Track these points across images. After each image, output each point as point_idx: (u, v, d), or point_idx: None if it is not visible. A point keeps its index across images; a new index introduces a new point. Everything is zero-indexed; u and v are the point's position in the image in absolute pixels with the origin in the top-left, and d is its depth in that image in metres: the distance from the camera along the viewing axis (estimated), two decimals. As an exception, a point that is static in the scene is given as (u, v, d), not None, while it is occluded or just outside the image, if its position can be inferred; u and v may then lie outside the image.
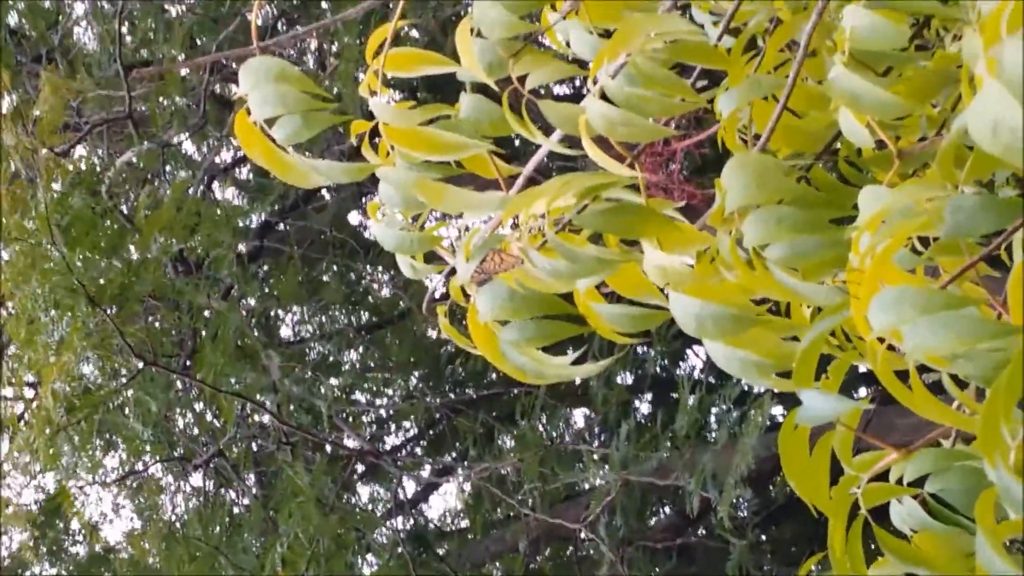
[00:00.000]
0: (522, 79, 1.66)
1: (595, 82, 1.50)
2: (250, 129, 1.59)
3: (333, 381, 7.75)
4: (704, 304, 1.52)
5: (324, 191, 8.21)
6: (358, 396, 8.27)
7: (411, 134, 1.68)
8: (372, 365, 8.57)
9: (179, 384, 6.22)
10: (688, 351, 8.46)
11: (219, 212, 6.20)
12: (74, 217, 5.21)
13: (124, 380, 5.72)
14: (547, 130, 1.71)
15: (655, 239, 1.57)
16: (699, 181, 2.09)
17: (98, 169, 5.86)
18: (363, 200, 7.91)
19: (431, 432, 8.67)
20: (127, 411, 5.93)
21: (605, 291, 1.82)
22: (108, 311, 5.32)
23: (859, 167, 2.03)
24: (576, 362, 1.75)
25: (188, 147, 7.34)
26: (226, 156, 7.75)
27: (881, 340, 1.11)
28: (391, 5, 1.70)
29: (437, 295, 2.16)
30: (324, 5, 7.06)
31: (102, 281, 5.38)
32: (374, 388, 8.44)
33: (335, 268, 8.09)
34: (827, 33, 1.86)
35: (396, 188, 1.70)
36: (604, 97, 1.50)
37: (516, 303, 1.68)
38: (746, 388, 6.62)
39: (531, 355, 1.72)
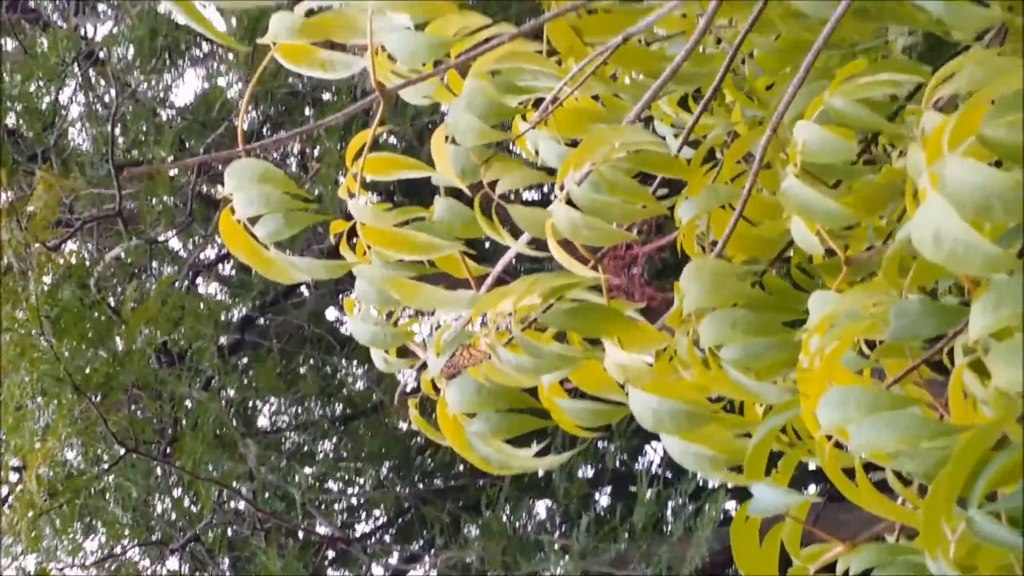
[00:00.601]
0: (493, 184, 1.67)
1: (562, 188, 1.52)
2: (234, 227, 1.59)
3: (307, 470, 7.71)
4: (662, 400, 1.53)
5: (303, 288, 8.21)
6: (331, 484, 8.21)
7: (387, 234, 1.69)
8: (345, 455, 8.52)
9: (159, 471, 6.16)
10: (646, 446, 8.45)
11: (202, 306, 6.18)
12: (63, 309, 5.19)
13: (106, 466, 5.68)
14: (516, 232, 1.72)
15: (616, 338, 1.58)
16: (659, 284, 2.10)
17: (88, 263, 5.86)
18: (340, 297, 7.91)
19: (400, 520, 8.60)
20: (108, 496, 5.87)
21: (568, 387, 1.83)
22: (93, 399, 5.29)
23: (810, 274, 2.05)
24: (539, 454, 1.75)
25: (175, 244, 7.35)
26: (210, 253, 7.75)
27: (829, 438, 1.12)
28: (371, 112, 1.71)
29: (408, 389, 2.16)
30: (308, 112, 7.09)
31: (88, 370, 5.37)
32: (346, 477, 8.38)
33: (312, 361, 8.07)
34: (781, 147, 1.89)
35: (371, 285, 1.71)
36: (570, 202, 1.51)
37: (483, 396, 1.69)
38: (701, 483, 6.60)
39: (496, 447, 1.72)
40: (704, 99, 1.90)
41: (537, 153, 1.83)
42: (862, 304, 1.21)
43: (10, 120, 6.65)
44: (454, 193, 1.79)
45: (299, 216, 1.57)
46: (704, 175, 1.99)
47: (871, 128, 1.47)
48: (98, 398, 5.47)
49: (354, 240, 1.75)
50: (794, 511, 1.19)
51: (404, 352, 1.99)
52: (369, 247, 1.72)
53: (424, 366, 1.92)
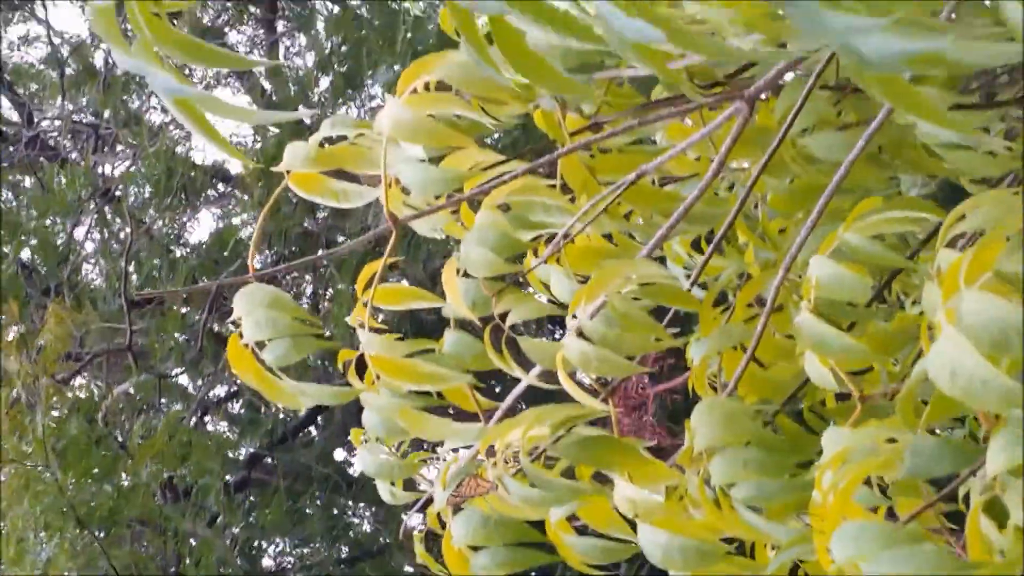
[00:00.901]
0: (503, 317, 1.65)
1: (574, 317, 1.50)
2: (242, 352, 1.58)
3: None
4: (672, 536, 1.50)
5: (312, 428, 8.18)
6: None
7: (395, 364, 1.67)
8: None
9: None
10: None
11: (209, 442, 6.14)
12: (69, 442, 5.17)
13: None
14: (526, 365, 1.70)
15: (626, 472, 1.55)
16: (670, 427, 2.08)
17: (96, 398, 5.84)
18: (348, 438, 7.86)
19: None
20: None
21: (576, 524, 1.80)
22: (96, 534, 5.24)
23: (823, 416, 2.03)
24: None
25: (184, 381, 7.34)
26: (220, 391, 7.75)
27: None
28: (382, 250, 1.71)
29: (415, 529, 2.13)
30: (321, 252, 7.11)
31: (92, 504, 5.32)
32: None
33: (319, 501, 8.01)
34: (793, 289, 1.88)
35: (379, 414, 1.69)
36: (581, 335, 1.50)
37: (489, 529, 1.66)
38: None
39: (502, 582, 1.69)
40: (716, 238, 1.89)
41: (548, 288, 1.83)
42: (876, 440, 1.19)
43: (25, 254, 6.69)
44: (464, 326, 1.78)
45: (306, 342, 1.56)
46: (716, 317, 1.98)
47: (886, 264, 1.45)
48: (101, 533, 5.41)
49: (363, 372, 1.74)
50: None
51: (411, 486, 1.97)
52: (378, 377, 1.71)
53: (430, 501, 1.90)
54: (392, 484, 1.97)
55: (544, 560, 1.69)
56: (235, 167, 7.48)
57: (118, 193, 6.70)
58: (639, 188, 1.86)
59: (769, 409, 1.90)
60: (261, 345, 1.57)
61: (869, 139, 1.66)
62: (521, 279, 1.82)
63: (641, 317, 1.47)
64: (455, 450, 1.87)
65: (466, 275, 1.76)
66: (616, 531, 1.74)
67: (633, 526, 1.77)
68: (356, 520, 8.62)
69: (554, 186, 1.82)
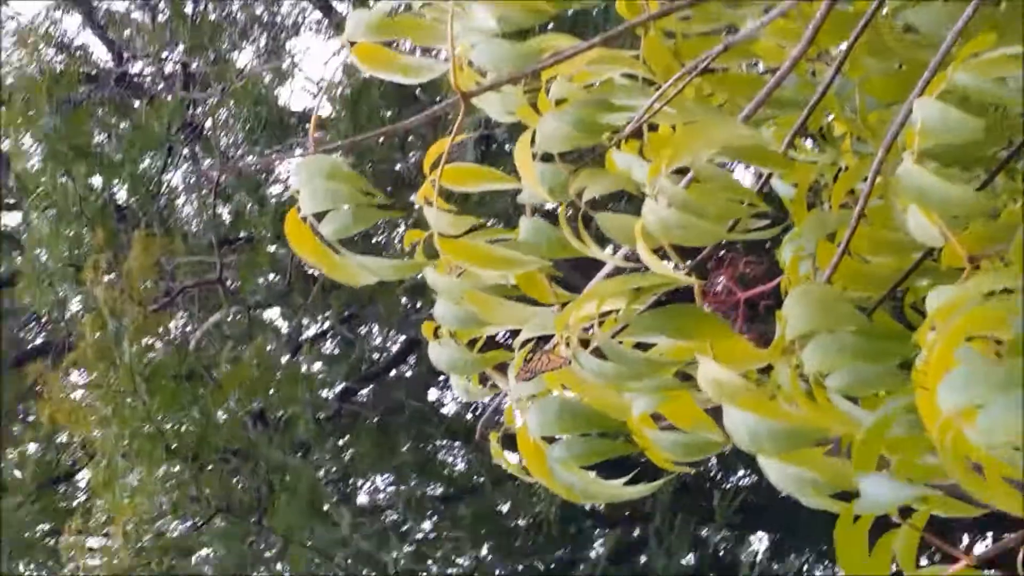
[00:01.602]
0: (580, 197, 1.54)
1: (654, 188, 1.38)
2: (300, 227, 1.47)
3: (405, 548, 7.57)
4: (760, 419, 1.37)
5: (405, 365, 8.10)
6: (429, 564, 8.06)
7: (466, 246, 1.56)
8: (444, 534, 8.38)
9: (252, 537, 6.03)
10: (751, 536, 8.24)
11: (298, 372, 6.06)
12: (156, 368, 5.12)
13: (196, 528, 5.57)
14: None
15: (710, 351, 1.43)
16: (761, 332, 1.95)
17: (187, 327, 5.80)
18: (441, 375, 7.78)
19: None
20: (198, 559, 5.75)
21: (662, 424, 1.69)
22: (185, 460, 5.20)
23: (924, 314, 1.89)
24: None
25: (274, 317, 7.29)
26: (312, 330, 7.70)
27: (948, 428, 0.96)
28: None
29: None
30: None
31: (180, 431, 5.28)
32: (445, 556, 8.22)
33: (411, 439, 7.94)
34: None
35: (447, 298, 1.58)
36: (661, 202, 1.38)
37: (565, 419, 1.54)
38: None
39: (580, 475, 1.58)
40: (801, 117, 1.75)
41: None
42: (987, 292, 1.06)
43: (119, 193, 6.65)
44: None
45: (367, 212, 1.45)
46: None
47: (1005, 104, 1.29)
48: (190, 460, 5.37)
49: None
50: (912, 518, 1.03)
51: (488, 382, 1.86)
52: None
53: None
54: (467, 380, 1.87)
55: (623, 451, 1.57)
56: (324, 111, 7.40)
57: (207, 131, 6.63)
58: (725, 74, 1.74)
59: (867, 304, 1.78)
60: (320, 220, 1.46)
61: (977, 7, 1.52)
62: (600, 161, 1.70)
63: (727, 179, 1.34)
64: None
65: (543, 159, 1.65)
66: (701, 429, 1.62)
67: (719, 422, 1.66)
68: (450, 458, 8.56)
69: (636, 57, 1.70)
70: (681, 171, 1.44)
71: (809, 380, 1.51)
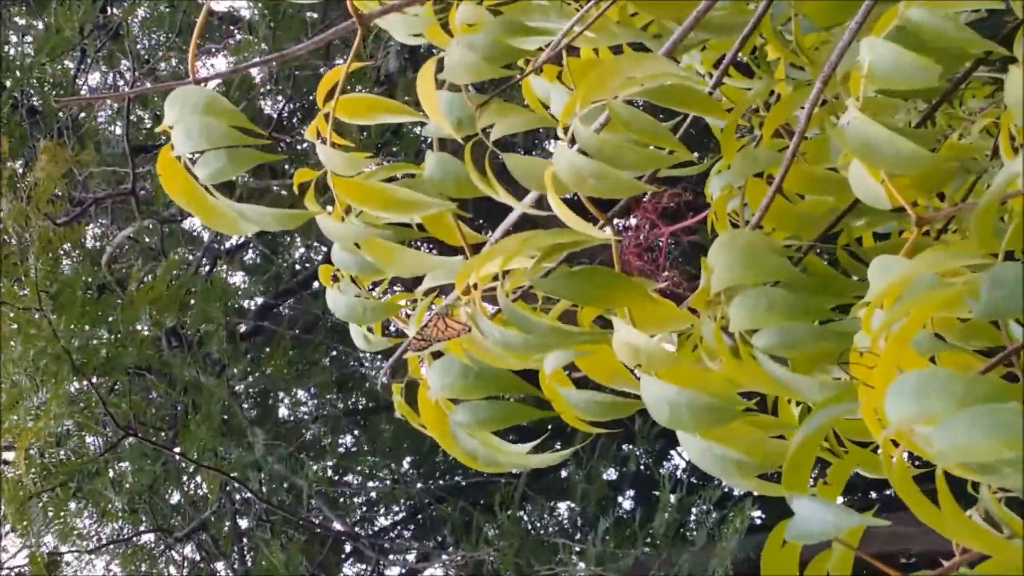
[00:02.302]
0: (488, 133, 1.38)
1: (566, 131, 1.22)
2: (174, 167, 1.31)
3: (327, 463, 7.45)
4: (680, 391, 1.23)
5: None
6: (348, 479, 7.94)
7: (363, 188, 1.40)
8: (364, 449, 8.27)
9: (167, 458, 5.86)
10: (672, 451, 8.18)
11: (212, 288, 5.85)
12: (63, 285, 4.91)
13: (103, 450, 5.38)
14: (519, 196, 1.43)
15: (628, 314, 1.29)
16: (686, 271, 1.80)
17: (96, 243, 5.57)
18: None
19: (418, 518, 8.33)
20: (104, 481, 5.56)
21: (576, 376, 1.55)
22: (93, 380, 5.00)
23: (859, 258, 1.76)
24: (537, 450, 1.47)
25: (196, 228, 7.08)
26: (232, 241, 7.50)
27: (895, 443, 0.82)
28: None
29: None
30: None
31: (88, 350, 5.07)
32: (365, 471, 8.11)
33: (332, 352, 7.79)
34: (830, 113, 1.61)
35: (342, 245, 1.42)
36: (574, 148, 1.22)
37: (469, 380, 1.40)
38: (727, 489, 6.31)
39: (483, 439, 1.44)
40: (734, 47, 1.61)
41: (547, 108, 1.55)
42: (941, 270, 0.91)
43: (28, 96, 6.38)
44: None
45: (246, 154, 1.28)
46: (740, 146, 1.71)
47: (962, 47, 1.14)
48: (98, 380, 5.18)
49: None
50: (846, 534, 0.90)
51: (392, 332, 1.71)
52: (346, 209, 1.45)
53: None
54: (369, 330, 1.72)
55: (531, 415, 1.43)
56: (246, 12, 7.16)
57: (121, 33, 6.35)
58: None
59: (798, 247, 1.66)
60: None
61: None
62: (513, 93, 1.54)
63: (647, 123, 1.18)
64: (436, 293, 1.61)
65: (451, 89, 1.49)
66: (622, 384, 1.49)
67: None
68: (372, 371, 8.41)
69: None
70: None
71: (734, 336, 1.38)
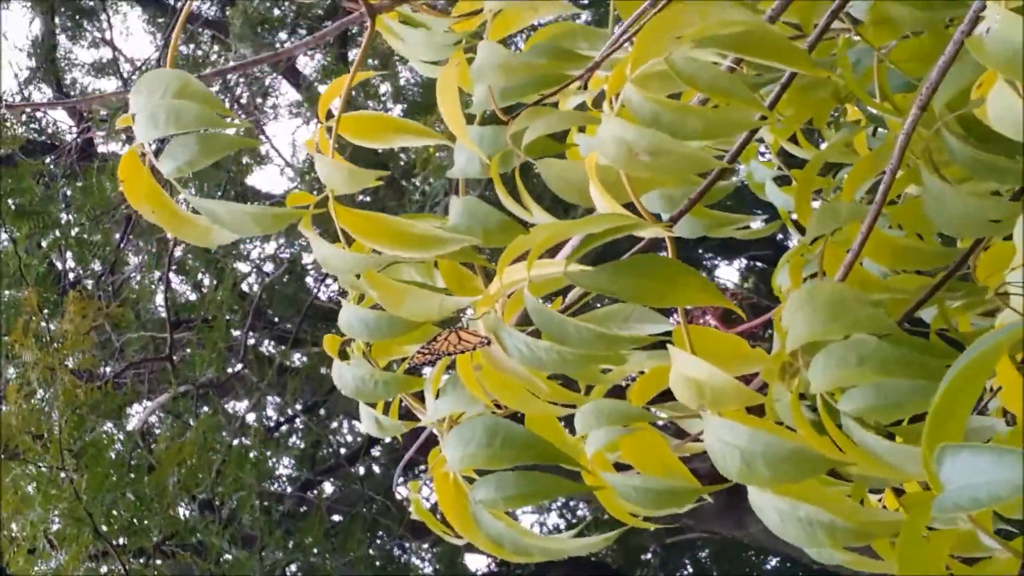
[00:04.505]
0: (518, 138, 1.14)
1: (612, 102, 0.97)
2: (137, 167, 1.07)
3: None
4: (755, 434, 0.95)
5: (372, 461, 7.65)
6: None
7: (371, 219, 1.15)
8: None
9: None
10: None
11: (246, 454, 5.57)
12: (87, 445, 4.64)
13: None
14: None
15: (688, 343, 1.02)
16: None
17: (122, 399, 5.33)
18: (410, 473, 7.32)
19: None
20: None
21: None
22: (115, 545, 4.70)
23: (957, 343, 1.50)
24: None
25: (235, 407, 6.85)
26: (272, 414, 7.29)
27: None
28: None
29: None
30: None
31: (112, 512, 4.78)
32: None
33: (374, 538, 7.47)
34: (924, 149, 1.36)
35: (332, 267, 1.17)
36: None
37: (495, 448, 1.12)
38: None
39: (508, 522, 1.16)
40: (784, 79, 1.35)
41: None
42: None
43: (69, 263, 6.24)
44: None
45: (220, 139, 1.03)
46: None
47: None
48: (122, 547, 4.88)
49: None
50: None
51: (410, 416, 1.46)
52: (348, 240, 1.20)
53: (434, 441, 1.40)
54: (384, 413, 1.46)
55: (569, 490, 1.15)
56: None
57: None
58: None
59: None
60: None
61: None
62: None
63: (718, 76, 0.93)
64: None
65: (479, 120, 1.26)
66: (670, 476, 1.22)
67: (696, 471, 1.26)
68: (415, 560, 8.08)
69: None
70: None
71: (816, 405, 1.12)
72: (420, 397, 1.41)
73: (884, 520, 0.98)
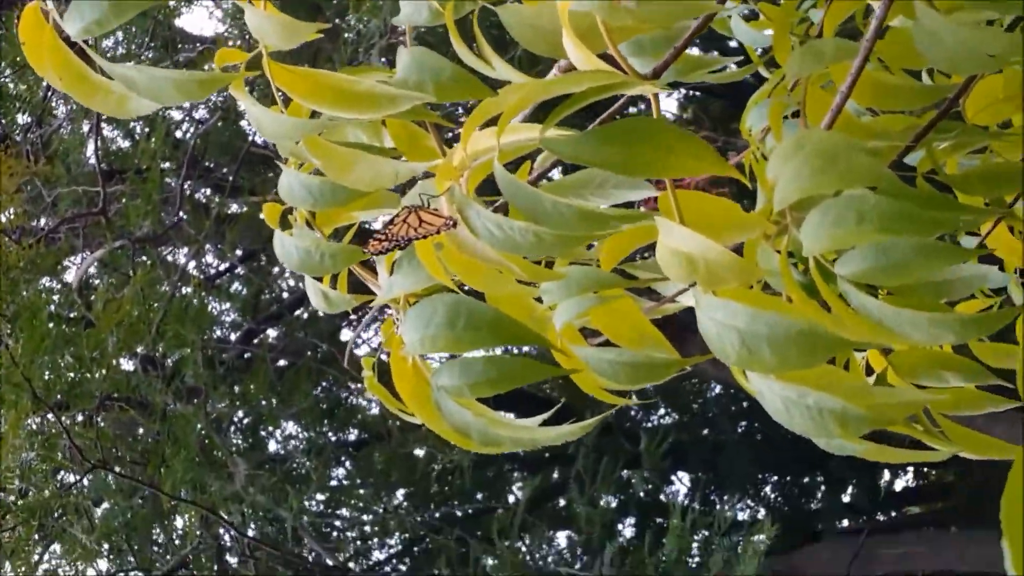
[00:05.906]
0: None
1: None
2: (39, 26, 0.93)
3: (319, 496, 7.05)
4: (756, 314, 0.84)
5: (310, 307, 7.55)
6: (342, 512, 7.54)
7: (310, 77, 1.02)
8: (357, 482, 7.89)
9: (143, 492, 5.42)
10: (673, 475, 7.85)
11: (186, 309, 5.41)
12: (22, 308, 4.48)
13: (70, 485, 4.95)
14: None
15: (677, 213, 0.90)
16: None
17: (57, 259, 5.16)
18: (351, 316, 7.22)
19: (414, 550, 7.93)
20: (72, 518, 5.12)
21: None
22: (56, 409, 4.57)
23: (946, 187, 1.39)
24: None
25: (172, 256, 6.68)
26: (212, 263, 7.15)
27: None
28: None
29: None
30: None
31: (51, 376, 4.64)
32: (358, 504, 7.71)
33: (323, 384, 7.40)
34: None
35: (270, 134, 1.03)
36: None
37: (457, 329, 1.00)
38: (739, 518, 5.95)
39: (477, 411, 1.05)
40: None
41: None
42: None
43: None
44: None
45: (133, -4, 0.88)
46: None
47: None
48: (64, 410, 4.75)
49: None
50: None
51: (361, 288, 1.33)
52: (285, 100, 1.06)
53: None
54: (332, 286, 1.34)
55: (542, 374, 1.03)
56: None
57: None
58: None
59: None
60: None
61: None
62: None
63: None
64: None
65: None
66: (647, 348, 1.11)
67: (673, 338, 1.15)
68: (363, 402, 8.03)
69: None
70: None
71: (808, 268, 1.01)
72: (371, 267, 1.29)
73: (900, 401, 0.87)
